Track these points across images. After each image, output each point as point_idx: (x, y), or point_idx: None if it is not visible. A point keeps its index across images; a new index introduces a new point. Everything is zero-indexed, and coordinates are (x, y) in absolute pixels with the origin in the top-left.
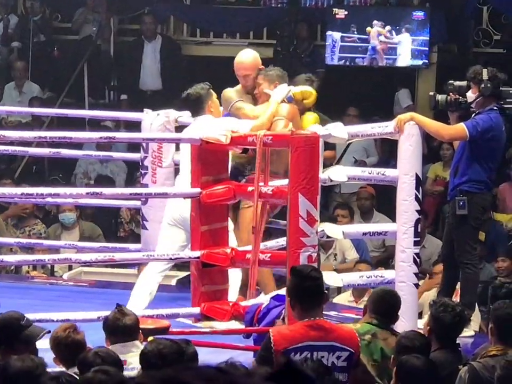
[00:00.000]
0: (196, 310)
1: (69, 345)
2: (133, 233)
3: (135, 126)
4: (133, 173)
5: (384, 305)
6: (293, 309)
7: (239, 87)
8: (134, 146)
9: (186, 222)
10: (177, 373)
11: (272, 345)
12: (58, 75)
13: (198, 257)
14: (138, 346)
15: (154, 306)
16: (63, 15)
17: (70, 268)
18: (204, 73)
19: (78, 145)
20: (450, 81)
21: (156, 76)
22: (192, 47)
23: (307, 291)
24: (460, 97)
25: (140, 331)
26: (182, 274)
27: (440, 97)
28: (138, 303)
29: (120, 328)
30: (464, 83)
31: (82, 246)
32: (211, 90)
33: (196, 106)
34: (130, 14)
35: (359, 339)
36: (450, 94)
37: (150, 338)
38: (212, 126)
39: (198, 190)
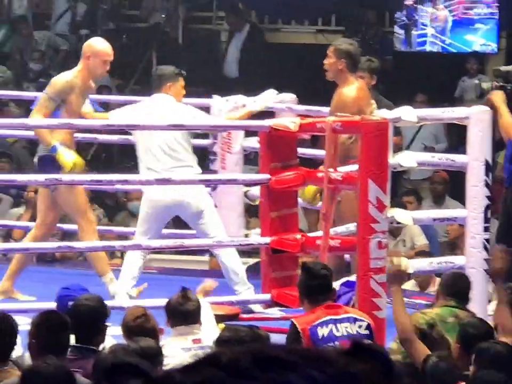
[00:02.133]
0: (266, 296)
1: (141, 334)
2: None
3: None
4: (204, 160)
5: (457, 287)
6: (302, 303)
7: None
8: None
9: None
10: (267, 348)
11: (297, 326)
12: (127, 63)
13: (268, 244)
14: (199, 328)
15: (224, 293)
16: (131, 3)
17: None
18: (272, 60)
19: None
20: (496, 67)
21: (234, 63)
22: None
23: (316, 289)
24: (504, 84)
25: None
26: (252, 261)
27: (485, 85)
28: (123, 287)
29: (182, 312)
30: (511, 67)
31: None
32: (180, 78)
33: (156, 82)
34: (198, 1)
35: (439, 322)
36: (495, 80)
37: (221, 325)
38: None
39: (267, 176)
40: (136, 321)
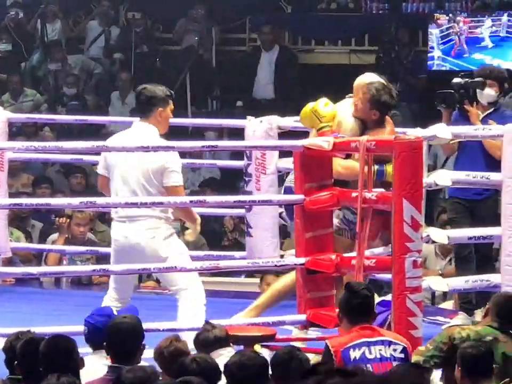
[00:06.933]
0: (302, 317)
1: (171, 354)
2: (237, 242)
3: (237, 134)
4: (238, 181)
5: (507, 309)
6: (341, 321)
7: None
8: (237, 154)
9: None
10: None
11: (330, 348)
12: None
13: (303, 264)
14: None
15: (261, 314)
16: (165, 26)
17: None
18: (308, 81)
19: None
20: None
21: (269, 84)
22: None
23: (356, 307)
24: None
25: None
26: None
27: None
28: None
29: (211, 341)
30: None
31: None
32: (170, 100)
33: (145, 106)
34: (231, 23)
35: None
36: None
37: (257, 346)
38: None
39: (301, 196)
40: (168, 341)
